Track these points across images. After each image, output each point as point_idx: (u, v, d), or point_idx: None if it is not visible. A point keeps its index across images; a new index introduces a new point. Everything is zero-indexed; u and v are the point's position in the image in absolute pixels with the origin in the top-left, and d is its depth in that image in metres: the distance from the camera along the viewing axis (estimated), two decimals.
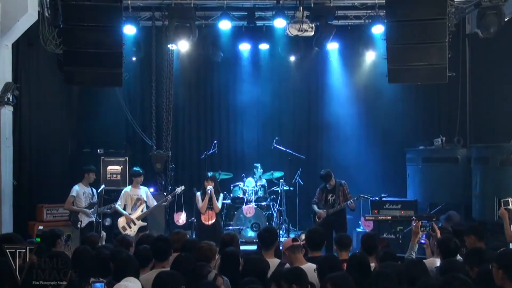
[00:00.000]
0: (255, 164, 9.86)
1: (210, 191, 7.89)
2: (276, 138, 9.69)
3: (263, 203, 9.53)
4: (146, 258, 4.49)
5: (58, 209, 8.50)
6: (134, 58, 9.30)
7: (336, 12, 8.71)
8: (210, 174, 8.22)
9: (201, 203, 8.00)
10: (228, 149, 10.80)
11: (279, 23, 8.54)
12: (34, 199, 8.71)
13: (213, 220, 7.94)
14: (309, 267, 4.29)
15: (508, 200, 5.75)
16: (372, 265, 4.47)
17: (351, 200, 8.01)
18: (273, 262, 4.65)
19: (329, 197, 8.21)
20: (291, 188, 9.41)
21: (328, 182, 8.19)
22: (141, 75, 10.34)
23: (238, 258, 4.54)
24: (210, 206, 7.94)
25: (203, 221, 7.96)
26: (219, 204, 8.06)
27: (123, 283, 3.61)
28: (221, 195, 8.35)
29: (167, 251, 4.48)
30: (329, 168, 8.49)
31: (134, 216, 8.03)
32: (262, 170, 9.81)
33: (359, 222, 9.12)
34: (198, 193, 8.13)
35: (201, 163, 9.84)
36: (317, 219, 8.15)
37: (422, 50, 7.24)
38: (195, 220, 8.22)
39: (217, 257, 4.77)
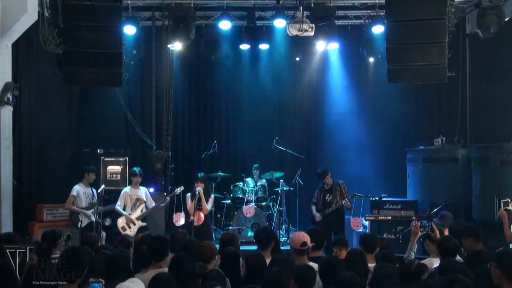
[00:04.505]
0: (254, 165, 9.86)
1: (199, 192, 7.71)
2: (276, 138, 9.70)
3: (263, 203, 9.52)
4: (147, 258, 4.49)
5: (58, 209, 8.49)
6: (132, 62, 9.29)
7: (336, 12, 8.71)
8: (200, 175, 8.00)
9: (189, 204, 7.87)
10: (228, 149, 10.79)
11: (279, 23, 8.53)
12: (34, 199, 8.69)
13: (202, 222, 7.78)
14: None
15: (508, 201, 5.76)
16: (372, 265, 4.48)
17: (346, 199, 8.02)
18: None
19: (327, 197, 8.24)
20: (291, 188, 9.41)
21: (325, 180, 8.20)
22: (141, 75, 10.34)
23: (238, 258, 4.56)
24: (199, 207, 7.76)
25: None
26: (209, 206, 7.92)
27: (126, 283, 3.59)
28: (212, 196, 8.22)
29: (163, 251, 4.46)
30: (325, 166, 8.53)
31: (133, 216, 8.01)
32: (261, 170, 9.80)
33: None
34: (188, 194, 8.00)
35: (201, 163, 9.83)
36: (315, 219, 8.18)
37: (422, 50, 7.23)
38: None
39: (217, 257, 4.77)
